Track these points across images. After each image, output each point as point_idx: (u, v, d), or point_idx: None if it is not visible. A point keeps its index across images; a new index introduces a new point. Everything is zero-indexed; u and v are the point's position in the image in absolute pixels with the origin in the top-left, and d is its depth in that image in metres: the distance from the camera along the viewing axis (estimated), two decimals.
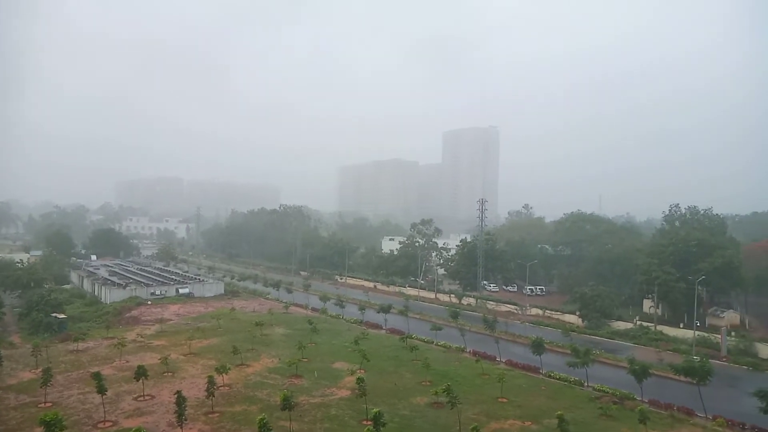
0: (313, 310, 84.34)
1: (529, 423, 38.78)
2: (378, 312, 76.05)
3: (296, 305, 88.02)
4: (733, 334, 69.70)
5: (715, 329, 72.39)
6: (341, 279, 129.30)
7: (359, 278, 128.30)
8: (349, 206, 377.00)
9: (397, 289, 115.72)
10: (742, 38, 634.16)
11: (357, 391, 39.08)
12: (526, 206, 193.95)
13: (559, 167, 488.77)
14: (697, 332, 69.31)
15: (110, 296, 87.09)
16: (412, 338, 63.33)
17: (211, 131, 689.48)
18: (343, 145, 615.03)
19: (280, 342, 62.86)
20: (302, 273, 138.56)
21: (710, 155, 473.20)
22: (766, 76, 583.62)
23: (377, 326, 73.69)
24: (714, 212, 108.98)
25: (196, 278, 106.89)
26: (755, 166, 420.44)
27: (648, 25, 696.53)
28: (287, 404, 34.30)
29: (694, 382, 43.38)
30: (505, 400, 43.88)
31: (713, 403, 43.14)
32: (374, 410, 32.40)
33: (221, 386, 44.01)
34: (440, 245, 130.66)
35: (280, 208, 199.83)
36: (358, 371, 47.46)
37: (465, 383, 48.13)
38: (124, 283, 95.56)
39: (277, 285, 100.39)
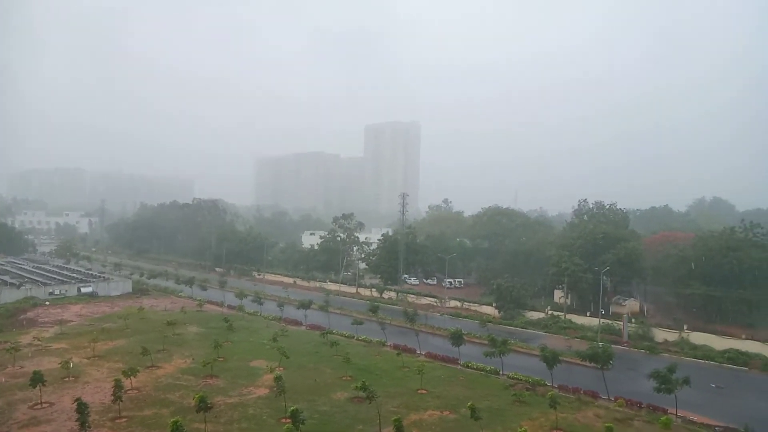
0: (230, 307, 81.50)
1: (447, 413, 39.47)
2: (298, 308, 74.75)
3: (211, 303, 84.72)
4: (633, 320, 74.87)
5: (617, 317, 77.43)
6: (259, 275, 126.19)
7: (278, 274, 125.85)
8: (267, 200, 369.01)
9: (317, 284, 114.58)
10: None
11: (275, 389, 38.02)
12: (445, 201, 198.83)
13: (479, 163, 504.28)
14: (602, 320, 73.80)
15: (1, 297, 79.57)
16: (333, 333, 62.81)
17: (119, 123, 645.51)
18: (262, 138, 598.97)
19: (193, 341, 60.08)
20: (217, 269, 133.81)
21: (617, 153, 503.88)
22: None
23: (297, 323, 72.43)
24: (618, 207, 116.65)
25: (100, 276, 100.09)
26: (634, 164, 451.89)
27: (586, 37, 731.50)
28: (203, 405, 32.66)
29: (599, 366, 46.22)
30: (424, 391, 44.41)
31: (615, 385, 46.12)
32: (293, 408, 31.59)
33: (129, 390, 41.23)
34: (362, 239, 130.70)
35: (193, 201, 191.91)
36: (277, 369, 46.27)
37: (385, 376, 48.33)
38: (18, 283, 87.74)
39: (190, 282, 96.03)
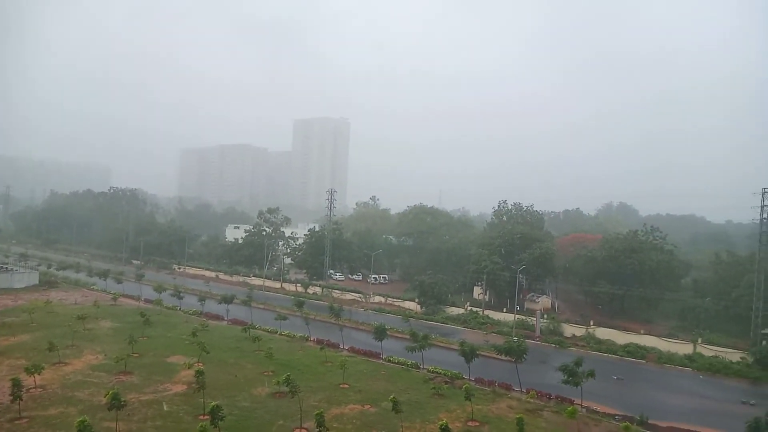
0: (147, 301, 78.32)
1: (368, 406, 40.16)
2: (219, 303, 73.06)
3: (127, 297, 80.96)
4: (545, 316, 79.21)
5: (532, 313, 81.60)
6: (180, 268, 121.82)
7: (200, 268, 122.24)
8: (191, 192, 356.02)
9: (241, 278, 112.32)
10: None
11: (194, 384, 37.12)
12: (373, 198, 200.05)
13: (406, 162, 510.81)
14: (517, 316, 77.51)
15: None
16: (256, 328, 61.96)
17: (30, 99, 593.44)
18: (187, 128, 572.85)
19: (106, 337, 57.24)
20: (135, 262, 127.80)
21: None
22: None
23: (218, 317, 70.78)
24: (534, 209, 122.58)
25: (2, 267, 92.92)
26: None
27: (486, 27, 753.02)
28: (115, 403, 31.37)
29: (513, 360, 48.66)
30: (346, 385, 44.89)
31: (528, 377, 48.73)
32: (212, 404, 31.06)
33: (32, 388, 38.82)
34: (288, 234, 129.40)
35: (109, 190, 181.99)
36: (196, 364, 45.08)
37: (308, 371, 48.36)
38: None
39: (104, 275, 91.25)
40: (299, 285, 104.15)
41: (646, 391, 51.56)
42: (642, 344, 67.11)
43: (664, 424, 40.17)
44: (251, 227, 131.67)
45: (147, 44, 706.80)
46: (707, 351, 64.17)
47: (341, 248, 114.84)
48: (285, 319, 64.51)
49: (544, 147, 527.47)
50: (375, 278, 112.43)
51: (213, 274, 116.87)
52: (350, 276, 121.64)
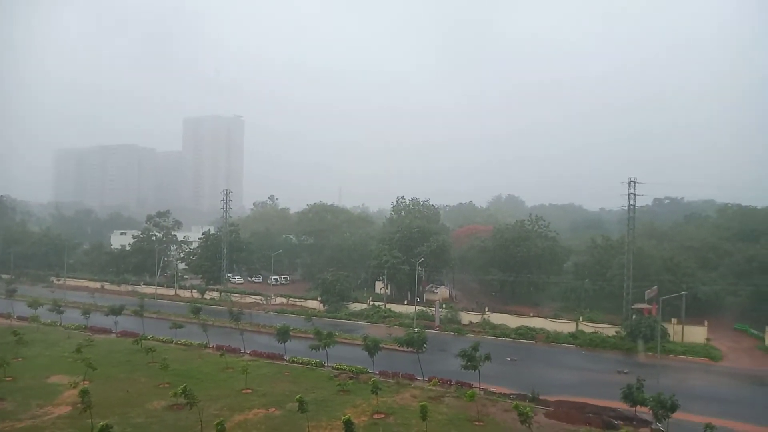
0: (20, 319, 71.11)
1: (273, 409, 39.46)
2: (107, 315, 68.01)
3: None
4: (444, 306, 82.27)
5: (431, 303, 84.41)
6: (59, 281, 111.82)
7: (83, 279, 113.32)
8: (69, 197, 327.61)
9: (131, 288, 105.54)
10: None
11: (80, 405, 34.30)
12: (271, 197, 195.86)
13: (306, 162, 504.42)
14: (417, 307, 79.79)
15: None
16: (148, 339, 58.41)
17: None
18: (63, 130, 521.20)
19: None
20: (4, 276, 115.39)
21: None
22: None
23: (106, 330, 65.98)
24: (431, 203, 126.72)
25: None
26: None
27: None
28: None
29: (415, 350, 50.08)
30: (249, 390, 43.76)
31: (429, 366, 50.31)
32: (101, 423, 28.89)
33: None
34: (181, 238, 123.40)
35: None
36: (82, 383, 41.63)
37: (208, 379, 46.60)
38: None
39: None
40: (195, 291, 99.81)
41: (536, 369, 55.29)
42: (532, 326, 71.85)
43: (553, 399, 43.30)
44: (140, 233, 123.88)
45: (18, 39, 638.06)
46: (588, 328, 70.08)
47: (239, 250, 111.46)
48: (181, 327, 61.48)
49: (437, 144, 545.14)
50: (276, 279, 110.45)
51: (98, 285, 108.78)
52: (250, 278, 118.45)
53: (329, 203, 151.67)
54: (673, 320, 67.57)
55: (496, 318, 76.42)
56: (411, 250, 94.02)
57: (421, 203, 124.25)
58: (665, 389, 37.10)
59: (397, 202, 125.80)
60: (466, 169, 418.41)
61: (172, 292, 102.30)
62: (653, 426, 37.74)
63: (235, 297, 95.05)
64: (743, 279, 76.45)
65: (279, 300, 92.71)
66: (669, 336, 65.17)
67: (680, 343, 64.87)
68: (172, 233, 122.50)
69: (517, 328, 71.42)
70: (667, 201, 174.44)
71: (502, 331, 71.60)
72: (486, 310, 79.37)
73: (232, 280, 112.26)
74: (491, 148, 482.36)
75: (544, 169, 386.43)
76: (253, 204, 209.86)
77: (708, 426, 30.01)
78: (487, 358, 44.81)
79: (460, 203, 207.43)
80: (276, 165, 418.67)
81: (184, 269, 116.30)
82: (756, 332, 68.51)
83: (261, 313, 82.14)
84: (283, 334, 54.36)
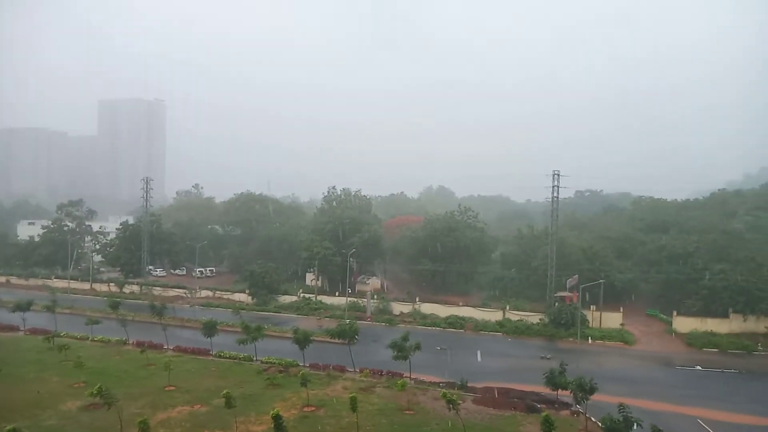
0: None
1: (199, 406, 38.01)
2: (13, 311, 62.86)
3: None
4: (375, 297, 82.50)
5: (362, 294, 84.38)
6: None
7: None
8: None
9: (40, 281, 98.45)
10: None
11: None
12: (196, 186, 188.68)
13: (231, 149, 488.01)
14: (349, 299, 79.53)
15: None
16: (61, 336, 54.78)
17: None
18: None
19: None
20: None
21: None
22: None
23: (13, 328, 61.28)
24: (362, 194, 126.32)
25: None
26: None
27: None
28: None
29: (346, 342, 49.75)
30: (173, 387, 41.89)
31: (361, 357, 50.27)
32: (8, 427, 26.53)
33: None
34: (97, 228, 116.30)
35: None
36: None
37: (127, 377, 44.29)
38: None
39: None
40: (113, 284, 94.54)
41: (465, 358, 56.49)
42: (461, 315, 73.49)
43: (480, 385, 44.43)
44: (50, 222, 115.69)
45: None
46: (514, 316, 72.57)
47: (161, 241, 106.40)
48: (98, 323, 58.00)
49: (369, 132, 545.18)
50: (201, 272, 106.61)
51: (3, 279, 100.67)
52: (173, 271, 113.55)
53: (257, 192, 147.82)
54: (592, 307, 71.27)
55: (427, 308, 77.51)
56: (342, 240, 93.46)
57: (353, 194, 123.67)
58: (585, 373, 38.89)
59: (328, 192, 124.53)
60: (398, 160, 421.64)
61: (87, 286, 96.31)
62: (573, 408, 39.57)
63: (158, 290, 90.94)
64: (654, 267, 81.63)
65: (205, 293, 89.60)
66: (588, 322, 68.73)
67: (598, 328, 68.56)
68: (87, 223, 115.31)
69: (447, 318, 72.77)
70: (587, 193, 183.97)
71: (433, 320, 72.75)
72: (417, 300, 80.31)
73: (154, 273, 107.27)
74: (417, 143, 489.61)
75: (473, 163, 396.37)
76: (176, 193, 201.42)
77: (621, 405, 31.66)
78: (418, 347, 45.25)
79: (392, 194, 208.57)
80: (201, 153, 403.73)
81: (100, 262, 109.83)
82: (665, 317, 73.50)
83: (186, 307, 79.01)
84: (210, 329, 52.45)
